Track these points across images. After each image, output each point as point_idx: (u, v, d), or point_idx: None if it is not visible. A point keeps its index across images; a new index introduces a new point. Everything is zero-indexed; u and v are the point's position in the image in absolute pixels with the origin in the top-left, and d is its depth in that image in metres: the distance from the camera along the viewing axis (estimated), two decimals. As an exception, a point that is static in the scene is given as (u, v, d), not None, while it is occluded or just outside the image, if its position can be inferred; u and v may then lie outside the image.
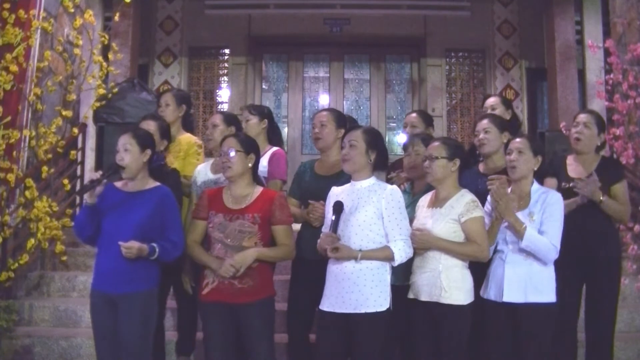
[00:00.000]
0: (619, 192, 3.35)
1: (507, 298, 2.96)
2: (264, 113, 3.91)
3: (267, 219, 3.02)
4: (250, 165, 3.08)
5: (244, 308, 2.96)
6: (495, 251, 3.08)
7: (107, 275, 2.99)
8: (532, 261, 2.97)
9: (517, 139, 3.11)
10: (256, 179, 3.16)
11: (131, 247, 2.91)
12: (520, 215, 2.98)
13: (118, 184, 3.15)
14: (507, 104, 3.92)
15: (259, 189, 3.11)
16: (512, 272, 2.98)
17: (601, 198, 3.25)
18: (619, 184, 3.37)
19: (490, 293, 3.04)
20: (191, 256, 3.15)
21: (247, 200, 3.05)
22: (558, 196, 3.05)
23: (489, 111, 3.81)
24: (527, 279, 2.96)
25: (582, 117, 3.46)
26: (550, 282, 2.99)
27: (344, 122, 3.54)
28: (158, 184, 3.15)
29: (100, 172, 3.00)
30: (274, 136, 3.91)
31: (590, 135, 3.41)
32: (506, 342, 3.00)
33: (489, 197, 3.11)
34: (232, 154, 3.03)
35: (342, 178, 3.13)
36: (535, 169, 3.08)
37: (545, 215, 2.98)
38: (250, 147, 3.11)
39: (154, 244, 2.98)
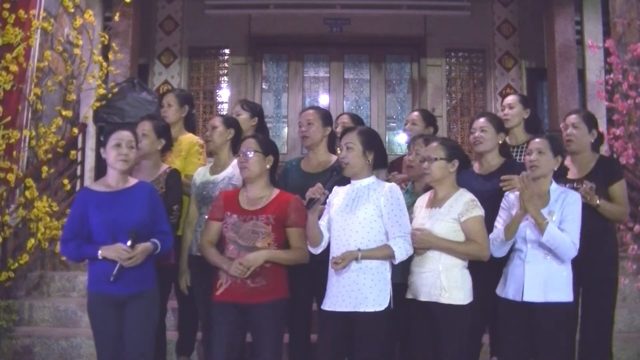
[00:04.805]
0: (617, 192, 3.34)
1: (527, 297, 2.95)
2: (255, 110, 3.95)
3: (281, 220, 3.02)
4: (268, 167, 3.09)
5: (256, 308, 2.95)
6: (513, 250, 3.07)
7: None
8: (552, 260, 2.97)
9: (537, 139, 3.10)
10: (273, 181, 3.16)
11: (134, 255, 2.91)
12: None
13: (94, 186, 3.12)
14: (525, 102, 3.81)
15: (275, 192, 3.11)
16: (533, 272, 2.97)
17: (597, 202, 3.24)
18: (617, 183, 3.36)
19: (509, 292, 3.03)
20: (204, 257, 3.15)
21: (262, 202, 3.05)
22: (577, 196, 3.05)
23: (506, 109, 3.75)
24: (547, 278, 2.96)
25: (570, 118, 3.46)
26: (568, 281, 2.99)
27: (330, 120, 3.58)
28: (137, 180, 3.15)
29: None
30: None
31: (581, 134, 3.40)
32: (523, 341, 3.00)
33: (505, 195, 3.11)
34: (250, 154, 3.04)
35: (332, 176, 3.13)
36: (555, 169, 3.08)
37: (564, 215, 2.98)
38: (269, 149, 3.11)
39: (155, 240, 3.00)
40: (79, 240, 2.98)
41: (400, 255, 2.87)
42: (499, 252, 3.05)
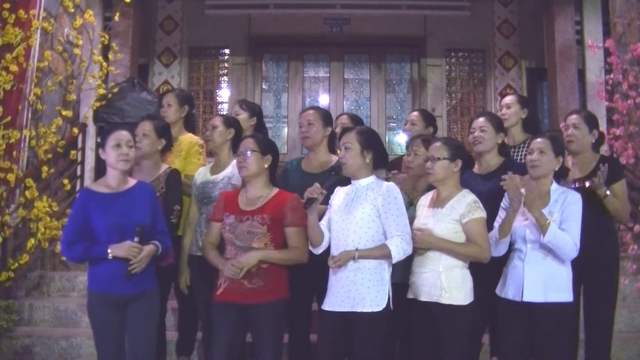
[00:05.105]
0: (618, 191, 3.34)
1: (527, 297, 2.95)
2: (254, 110, 3.95)
3: (278, 220, 3.00)
4: (266, 166, 3.08)
5: (254, 308, 2.94)
6: (513, 250, 3.07)
7: (117, 277, 2.92)
8: (552, 260, 2.97)
9: (539, 139, 3.09)
10: (273, 181, 3.15)
11: (140, 258, 2.91)
12: None
13: (95, 187, 3.12)
14: (523, 102, 3.80)
15: (274, 191, 3.10)
16: (532, 272, 2.97)
17: (607, 193, 3.24)
18: (618, 183, 3.36)
19: (509, 292, 3.03)
20: (205, 258, 3.15)
21: (260, 202, 3.04)
22: (578, 196, 3.05)
23: (504, 109, 3.75)
24: (547, 278, 2.96)
25: (571, 118, 3.46)
26: (568, 281, 2.99)
27: (331, 120, 3.58)
28: (136, 180, 3.15)
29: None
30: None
31: (581, 135, 3.40)
32: (523, 341, 3.00)
33: (505, 195, 3.10)
34: (248, 153, 3.04)
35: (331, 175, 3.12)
36: (556, 169, 3.07)
37: (565, 215, 2.98)
38: (267, 148, 3.11)
39: (156, 241, 3.01)
40: (84, 242, 2.96)
41: (398, 255, 2.86)
42: (496, 252, 3.05)
